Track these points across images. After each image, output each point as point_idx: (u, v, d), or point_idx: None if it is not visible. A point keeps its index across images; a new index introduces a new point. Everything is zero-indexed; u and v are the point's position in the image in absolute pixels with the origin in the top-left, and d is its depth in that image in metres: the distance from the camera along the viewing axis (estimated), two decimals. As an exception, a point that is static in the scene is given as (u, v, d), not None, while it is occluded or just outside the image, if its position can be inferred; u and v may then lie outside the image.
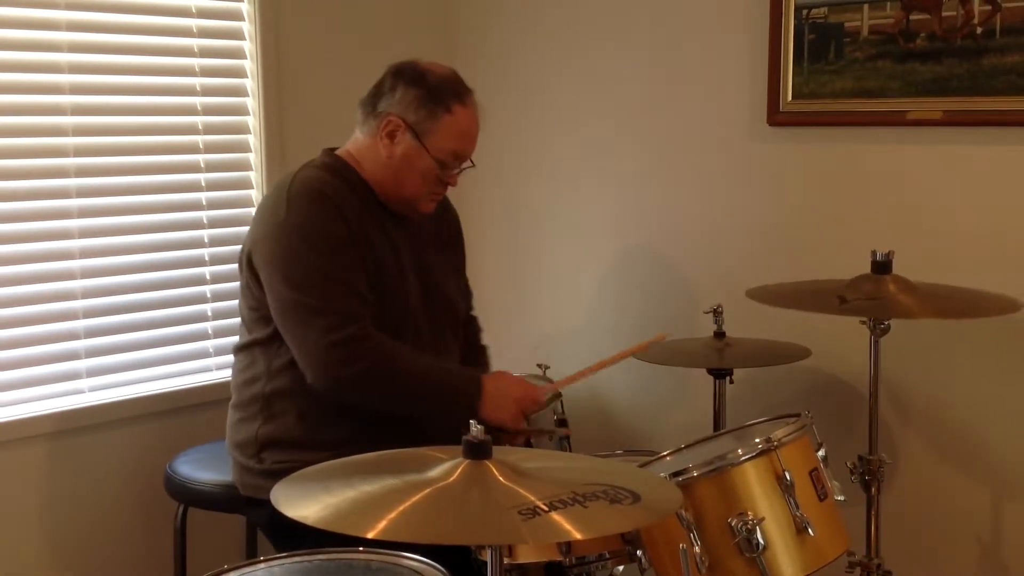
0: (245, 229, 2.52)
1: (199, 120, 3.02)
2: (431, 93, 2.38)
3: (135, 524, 2.91)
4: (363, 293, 2.32)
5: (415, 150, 2.38)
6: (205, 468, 2.63)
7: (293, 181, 2.38)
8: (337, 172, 2.41)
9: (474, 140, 2.45)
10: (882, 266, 2.53)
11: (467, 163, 2.47)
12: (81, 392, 2.84)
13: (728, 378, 2.82)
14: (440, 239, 2.61)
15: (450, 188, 2.64)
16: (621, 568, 2.13)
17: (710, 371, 2.81)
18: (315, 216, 2.32)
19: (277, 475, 2.00)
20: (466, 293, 2.72)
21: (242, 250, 2.46)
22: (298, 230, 2.31)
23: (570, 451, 2.75)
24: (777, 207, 3.02)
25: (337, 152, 2.47)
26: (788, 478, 2.05)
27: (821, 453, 2.20)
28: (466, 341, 2.69)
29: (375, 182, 2.42)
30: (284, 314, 2.32)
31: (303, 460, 2.20)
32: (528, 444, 2.53)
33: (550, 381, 2.91)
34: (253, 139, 3.13)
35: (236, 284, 2.60)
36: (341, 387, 2.30)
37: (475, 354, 2.70)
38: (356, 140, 2.46)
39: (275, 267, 2.32)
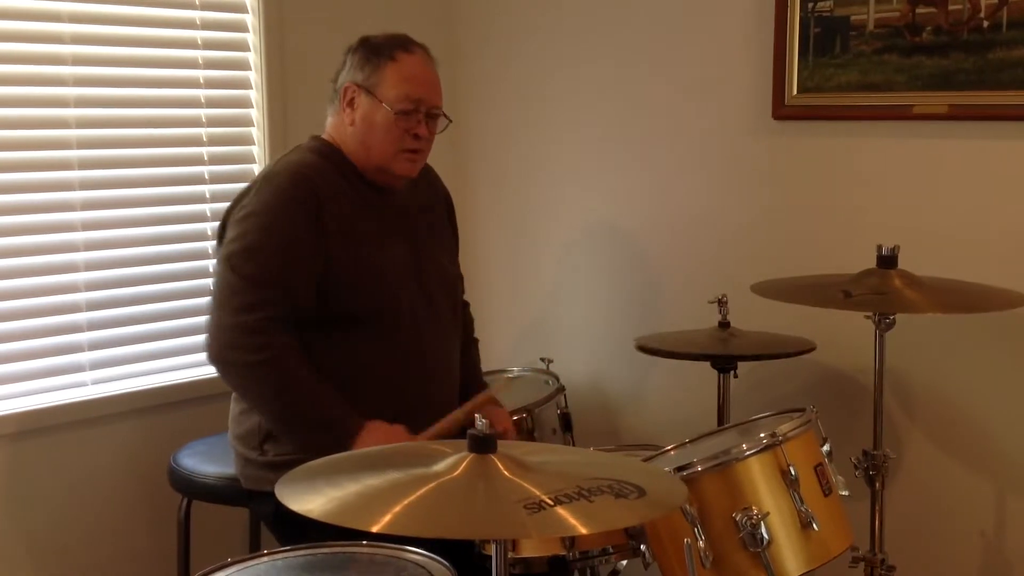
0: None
1: (203, 113, 3.02)
2: (373, 50, 2.43)
3: (139, 517, 2.91)
4: (296, 292, 2.31)
5: (371, 106, 2.41)
6: (209, 461, 2.62)
7: (276, 166, 2.43)
8: (323, 154, 2.44)
9: (429, 85, 2.44)
10: (887, 260, 2.52)
11: (442, 120, 2.46)
12: (84, 385, 2.84)
13: (732, 372, 2.81)
14: (433, 212, 2.62)
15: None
16: (625, 563, 2.13)
17: (714, 365, 2.79)
18: (278, 205, 2.33)
19: (280, 467, 2.01)
20: (458, 276, 2.70)
21: None
22: (255, 217, 2.34)
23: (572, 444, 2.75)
24: (782, 201, 3.01)
25: (322, 136, 2.51)
26: (793, 473, 2.05)
27: (826, 448, 2.20)
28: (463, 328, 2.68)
29: (354, 157, 2.45)
30: (213, 285, 2.41)
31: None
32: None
33: (553, 375, 2.92)
34: (256, 131, 3.13)
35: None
36: (233, 370, 2.31)
37: (466, 346, 2.67)
38: (330, 124, 2.50)
39: (226, 243, 2.36)
